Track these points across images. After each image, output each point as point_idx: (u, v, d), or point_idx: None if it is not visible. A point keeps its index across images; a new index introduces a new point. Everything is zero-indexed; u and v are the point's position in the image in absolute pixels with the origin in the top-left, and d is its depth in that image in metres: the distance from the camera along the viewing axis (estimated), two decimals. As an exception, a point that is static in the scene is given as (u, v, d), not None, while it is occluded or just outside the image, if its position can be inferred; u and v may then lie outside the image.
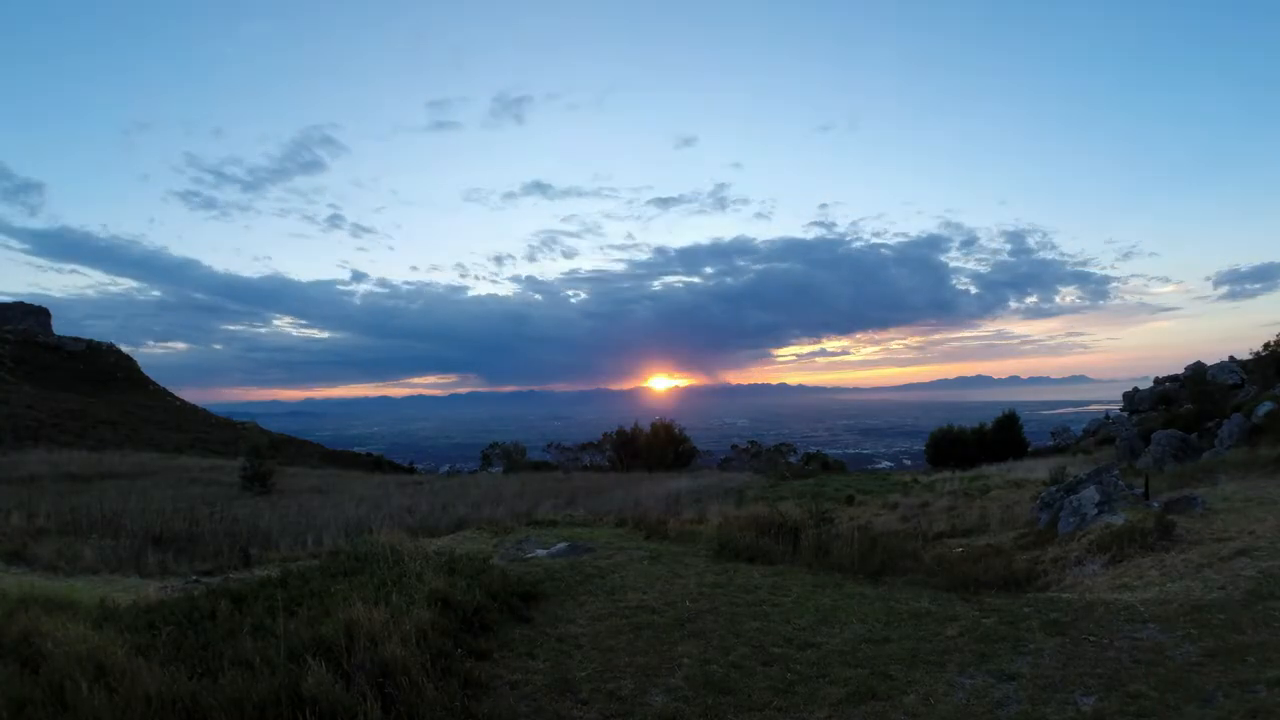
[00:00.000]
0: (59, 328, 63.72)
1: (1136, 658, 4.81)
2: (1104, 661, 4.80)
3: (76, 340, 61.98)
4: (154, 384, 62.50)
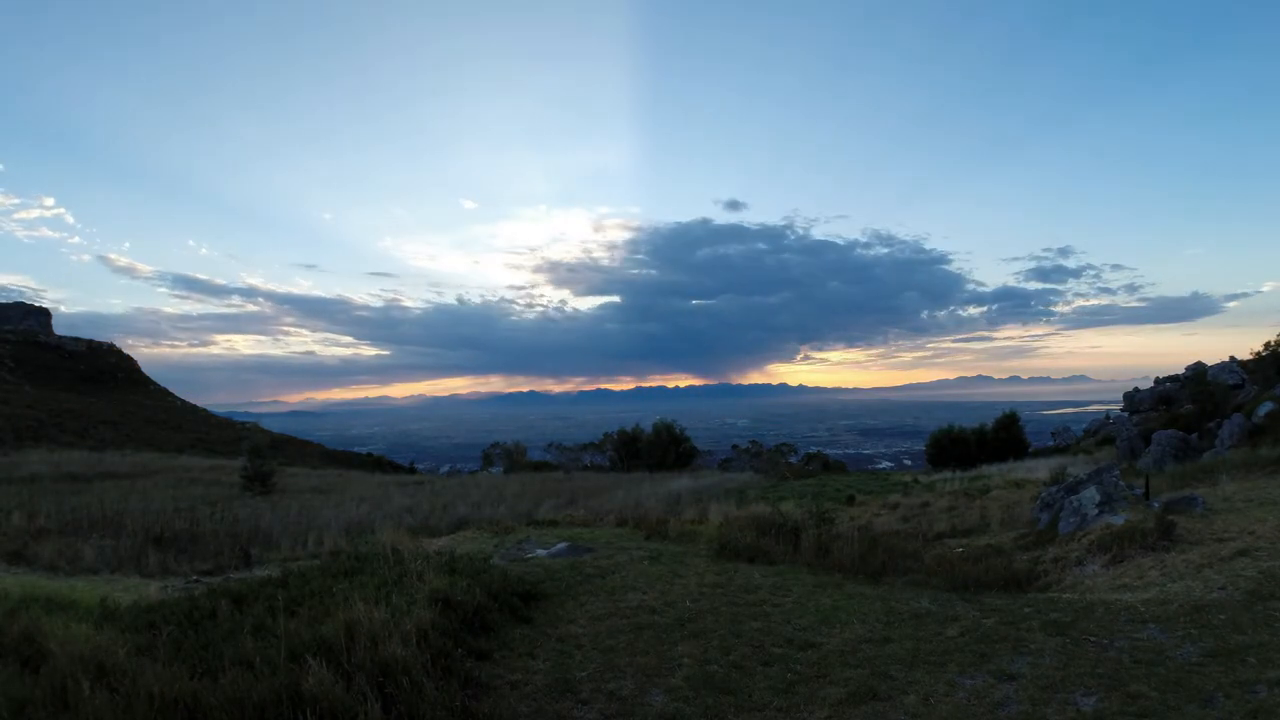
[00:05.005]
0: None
1: (1137, 658, 4.81)
2: (1104, 662, 4.80)
3: (76, 340, 61.99)
4: (154, 384, 62.54)
